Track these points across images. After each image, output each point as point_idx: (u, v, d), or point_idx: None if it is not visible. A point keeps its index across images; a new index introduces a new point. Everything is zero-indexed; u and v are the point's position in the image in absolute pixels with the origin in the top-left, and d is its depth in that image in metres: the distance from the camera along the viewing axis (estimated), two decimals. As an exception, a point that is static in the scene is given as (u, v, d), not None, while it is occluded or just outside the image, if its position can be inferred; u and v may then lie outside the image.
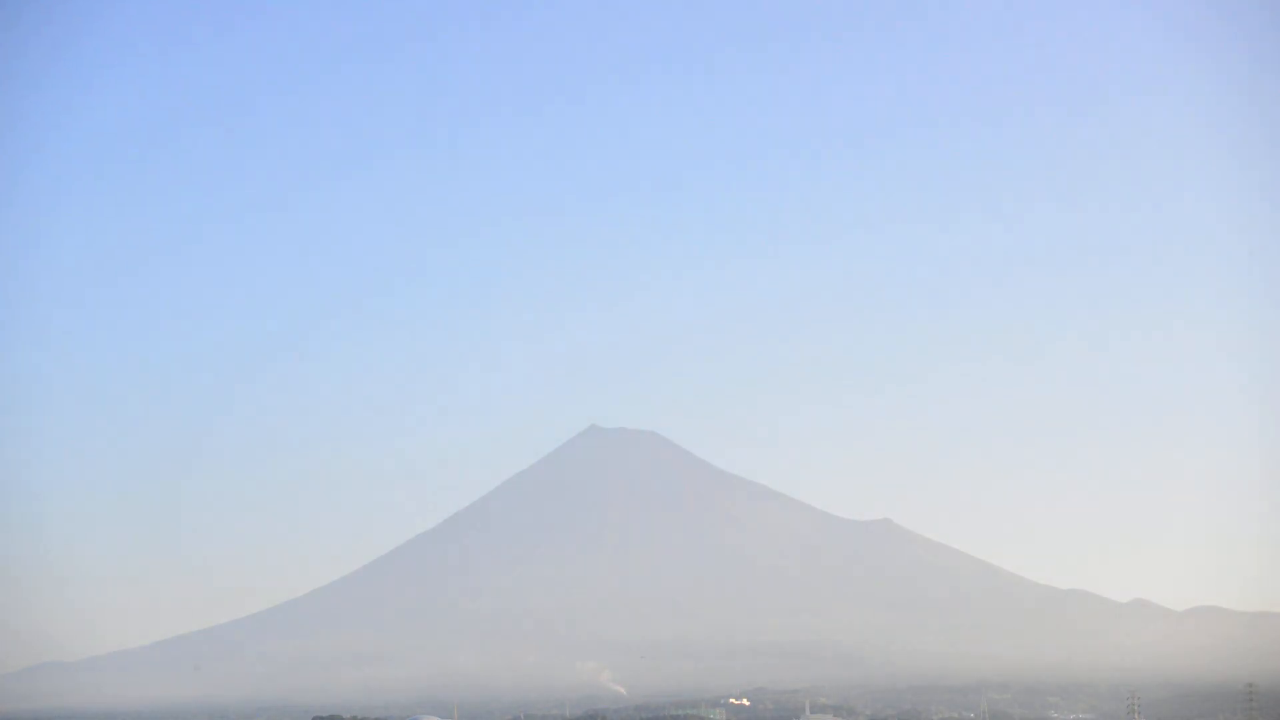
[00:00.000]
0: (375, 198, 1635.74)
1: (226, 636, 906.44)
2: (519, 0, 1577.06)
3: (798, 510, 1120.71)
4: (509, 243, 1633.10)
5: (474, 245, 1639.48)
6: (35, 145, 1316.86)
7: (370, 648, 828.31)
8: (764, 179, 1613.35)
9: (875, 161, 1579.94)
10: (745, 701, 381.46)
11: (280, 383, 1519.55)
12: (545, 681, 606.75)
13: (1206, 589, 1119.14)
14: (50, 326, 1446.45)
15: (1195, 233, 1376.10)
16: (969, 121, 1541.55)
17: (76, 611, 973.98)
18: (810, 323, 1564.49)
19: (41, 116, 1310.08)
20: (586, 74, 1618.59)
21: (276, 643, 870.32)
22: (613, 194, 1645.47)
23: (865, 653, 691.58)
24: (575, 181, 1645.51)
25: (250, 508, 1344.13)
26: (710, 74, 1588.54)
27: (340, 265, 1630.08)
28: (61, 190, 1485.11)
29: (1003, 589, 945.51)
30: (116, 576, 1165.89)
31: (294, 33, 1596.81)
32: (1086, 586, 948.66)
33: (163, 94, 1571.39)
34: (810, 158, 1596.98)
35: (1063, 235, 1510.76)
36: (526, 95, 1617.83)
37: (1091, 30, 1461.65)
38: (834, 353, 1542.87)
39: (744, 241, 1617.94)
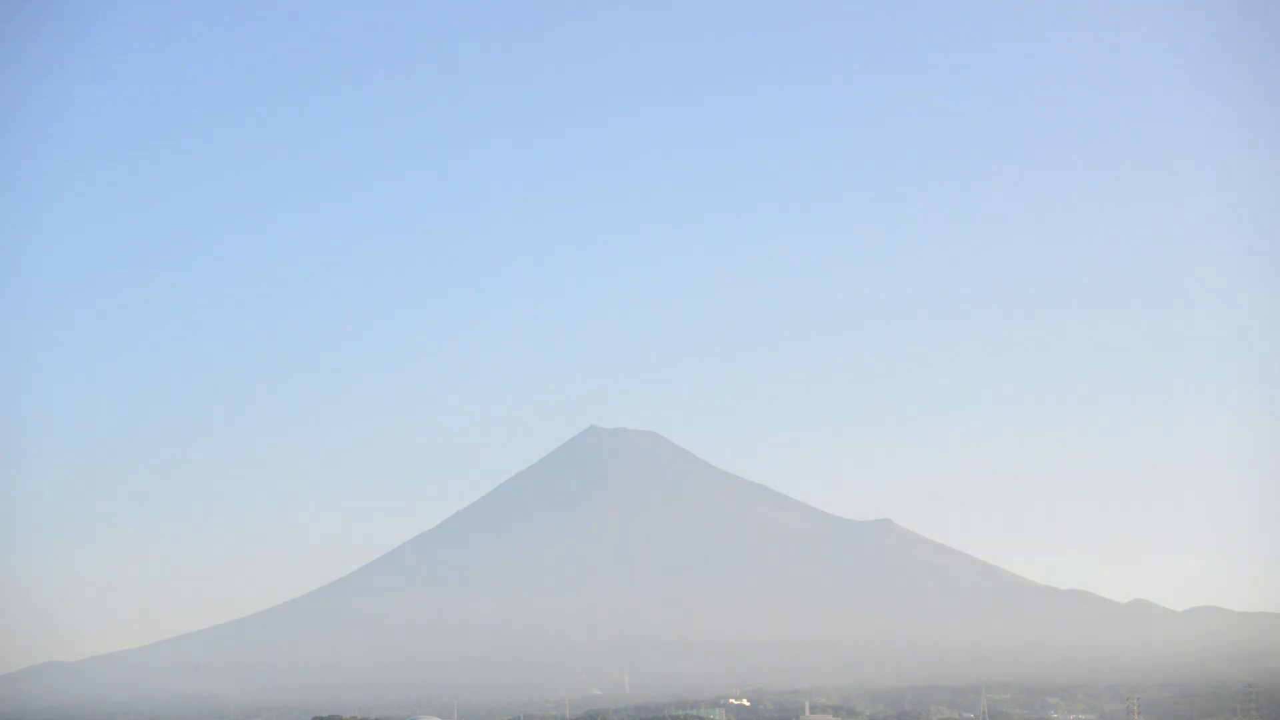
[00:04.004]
0: (376, 197, 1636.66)
1: (226, 636, 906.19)
2: (529, 2, 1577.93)
3: (798, 510, 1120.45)
4: (510, 243, 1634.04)
5: (475, 245, 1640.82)
6: (34, 143, 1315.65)
7: (370, 648, 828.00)
8: (764, 180, 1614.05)
9: (873, 163, 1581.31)
10: (745, 701, 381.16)
11: (281, 382, 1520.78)
12: (545, 682, 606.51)
13: (1206, 589, 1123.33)
14: (50, 325, 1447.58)
15: (1195, 233, 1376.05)
16: (967, 128, 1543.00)
17: (76, 611, 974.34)
18: (810, 323, 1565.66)
19: (41, 115, 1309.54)
20: (587, 76, 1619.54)
21: (276, 642, 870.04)
22: (613, 194, 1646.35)
23: (865, 653, 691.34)
24: (576, 181, 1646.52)
25: (250, 508, 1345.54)
26: (710, 76, 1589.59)
27: (340, 265, 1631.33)
28: (61, 189, 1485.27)
29: (1003, 589, 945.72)
30: (116, 576, 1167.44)
31: (295, 30, 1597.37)
32: (1086, 586, 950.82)
33: (161, 92, 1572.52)
34: (809, 158, 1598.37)
35: (1061, 235, 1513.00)
36: (528, 95, 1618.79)
37: (1093, 34, 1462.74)
38: (834, 353, 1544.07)
39: (744, 242, 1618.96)
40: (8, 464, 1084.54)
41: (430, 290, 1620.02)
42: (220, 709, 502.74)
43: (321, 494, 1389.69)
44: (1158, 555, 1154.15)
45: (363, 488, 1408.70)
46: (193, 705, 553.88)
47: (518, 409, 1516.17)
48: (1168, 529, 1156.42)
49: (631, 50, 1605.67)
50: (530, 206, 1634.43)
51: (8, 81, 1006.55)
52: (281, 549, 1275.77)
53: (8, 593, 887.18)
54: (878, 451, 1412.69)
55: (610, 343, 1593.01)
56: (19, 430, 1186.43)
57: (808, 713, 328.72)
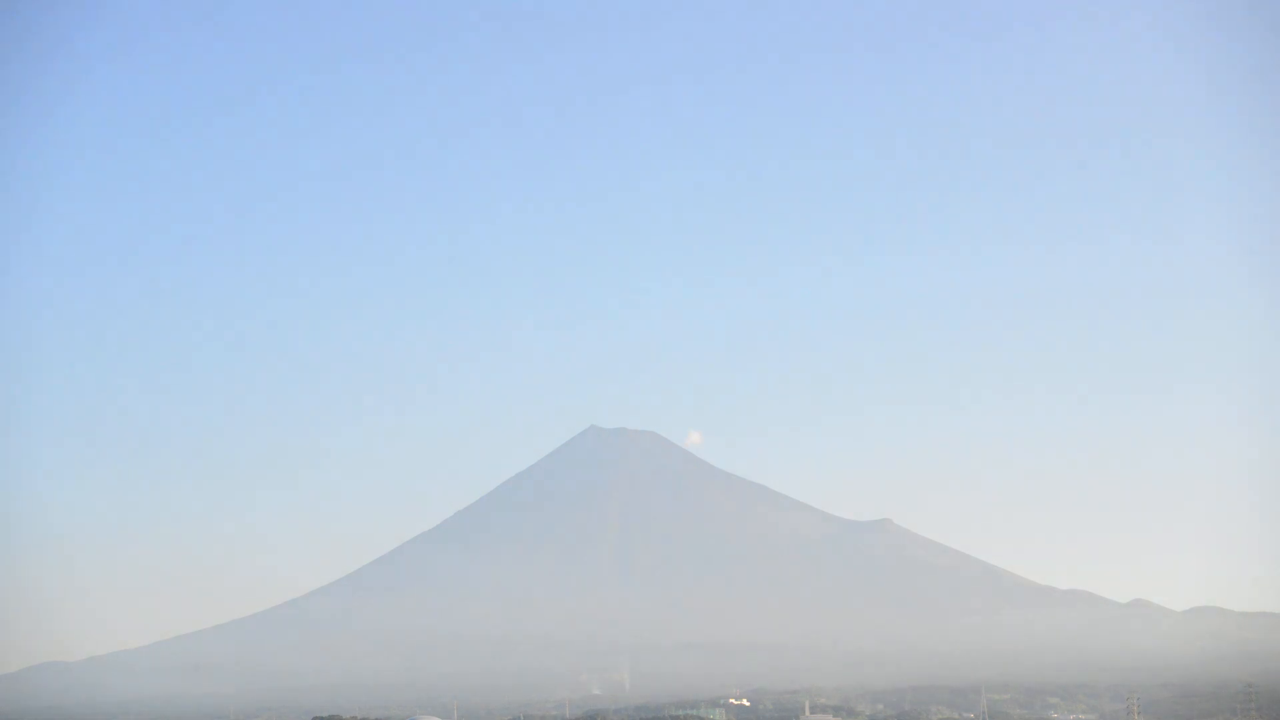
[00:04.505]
0: (376, 196, 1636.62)
1: (226, 636, 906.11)
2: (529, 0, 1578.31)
3: (798, 510, 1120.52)
4: (510, 243, 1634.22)
5: (475, 245, 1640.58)
6: (33, 141, 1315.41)
7: (370, 648, 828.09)
8: (765, 180, 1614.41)
9: (874, 165, 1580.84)
10: (745, 701, 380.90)
11: (280, 382, 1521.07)
12: (545, 682, 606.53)
13: (1206, 589, 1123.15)
14: (50, 326, 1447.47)
15: (1194, 233, 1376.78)
16: (968, 130, 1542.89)
17: (76, 611, 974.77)
18: (810, 323, 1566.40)
19: (40, 113, 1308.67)
20: (588, 75, 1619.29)
21: (276, 642, 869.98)
22: (614, 194, 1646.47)
23: (865, 653, 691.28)
24: (576, 181, 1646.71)
25: (250, 508, 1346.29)
26: (712, 76, 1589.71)
27: (340, 265, 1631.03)
28: (60, 188, 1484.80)
29: (1003, 589, 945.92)
30: (116, 576, 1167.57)
31: (295, 29, 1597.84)
32: (1086, 586, 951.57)
33: (158, 90, 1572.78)
34: (810, 160, 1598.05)
35: (1060, 235, 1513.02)
36: (528, 94, 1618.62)
37: (1093, 40, 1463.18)
38: (834, 353, 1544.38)
39: (744, 242, 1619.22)
40: (8, 464, 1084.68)
41: (430, 290, 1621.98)
42: (220, 709, 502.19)
43: (321, 494, 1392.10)
44: (1158, 555, 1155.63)
45: (363, 488, 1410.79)
46: (193, 705, 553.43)
47: (518, 409, 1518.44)
48: (1168, 529, 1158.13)
49: (632, 49, 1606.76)
50: (530, 206, 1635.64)
51: (6, 79, 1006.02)
52: (281, 549, 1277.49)
53: (8, 593, 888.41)
54: (878, 451, 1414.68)
55: (610, 343, 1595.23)
56: (20, 430, 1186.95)
57: (808, 713, 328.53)
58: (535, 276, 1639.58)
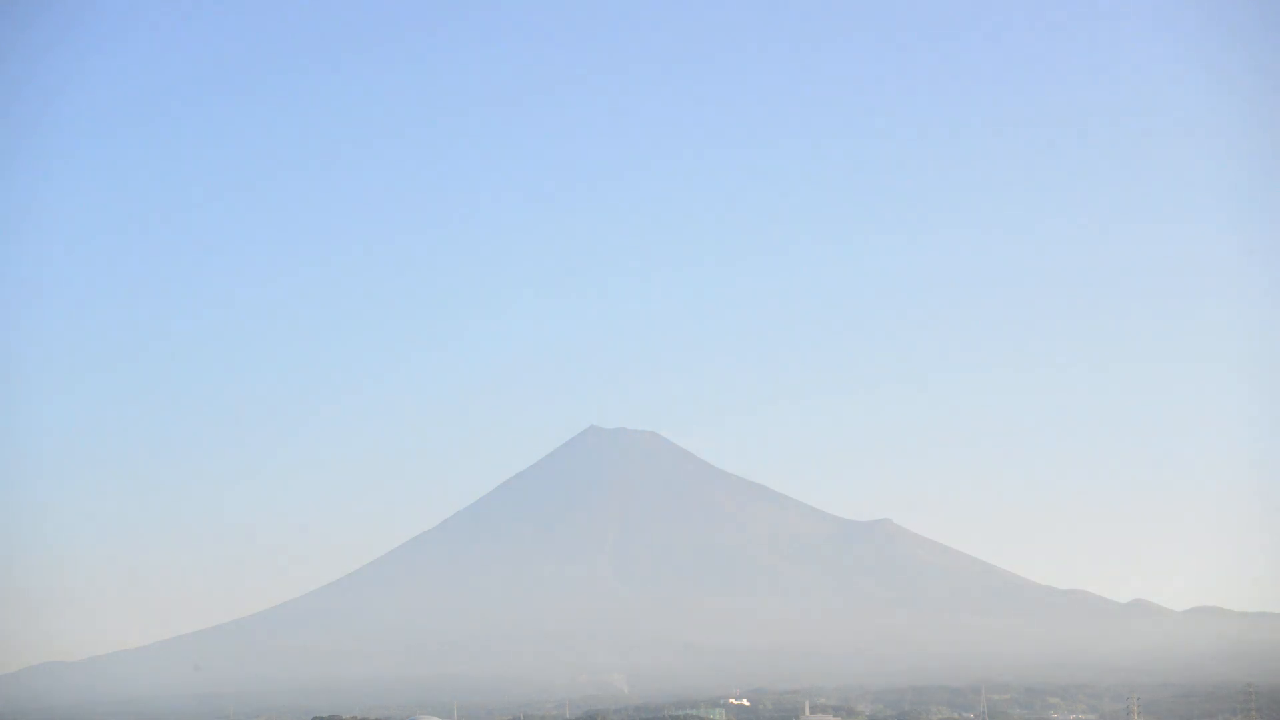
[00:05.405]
0: (374, 195, 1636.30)
1: (226, 636, 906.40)
2: None
3: (798, 510, 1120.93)
4: (508, 241, 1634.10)
5: (473, 244, 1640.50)
6: (29, 139, 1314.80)
7: (370, 648, 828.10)
8: (764, 178, 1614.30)
9: (875, 161, 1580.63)
10: (745, 701, 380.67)
11: (280, 382, 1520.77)
12: (545, 681, 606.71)
13: (1206, 589, 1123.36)
14: (50, 326, 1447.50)
15: (1195, 232, 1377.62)
16: (971, 122, 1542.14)
17: (76, 611, 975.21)
18: (810, 322, 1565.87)
19: (36, 110, 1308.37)
20: (587, 71, 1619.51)
21: (276, 643, 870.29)
22: (613, 192, 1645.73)
23: (865, 653, 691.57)
24: (575, 179, 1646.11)
25: (250, 507, 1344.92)
26: (712, 72, 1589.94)
27: (339, 264, 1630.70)
28: (58, 189, 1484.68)
29: (1003, 589, 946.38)
30: (116, 576, 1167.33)
31: (289, 26, 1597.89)
32: (1086, 586, 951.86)
33: (160, 87, 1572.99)
34: (810, 157, 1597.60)
35: (1062, 234, 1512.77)
36: (525, 90, 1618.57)
37: (1092, 34, 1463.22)
38: (834, 352, 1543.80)
39: (744, 241, 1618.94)
40: (8, 464, 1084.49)
41: (430, 290, 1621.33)
42: (220, 709, 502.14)
43: (321, 494, 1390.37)
44: (1158, 555, 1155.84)
45: (363, 488, 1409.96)
46: (193, 705, 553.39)
47: (518, 409, 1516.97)
48: (1168, 529, 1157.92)
49: (630, 46, 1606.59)
50: (530, 205, 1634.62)
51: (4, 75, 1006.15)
52: (281, 549, 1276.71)
53: (8, 593, 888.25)
54: (878, 451, 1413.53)
55: (610, 343, 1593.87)
56: (19, 430, 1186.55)
57: (808, 713, 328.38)
58: (535, 275, 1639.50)
